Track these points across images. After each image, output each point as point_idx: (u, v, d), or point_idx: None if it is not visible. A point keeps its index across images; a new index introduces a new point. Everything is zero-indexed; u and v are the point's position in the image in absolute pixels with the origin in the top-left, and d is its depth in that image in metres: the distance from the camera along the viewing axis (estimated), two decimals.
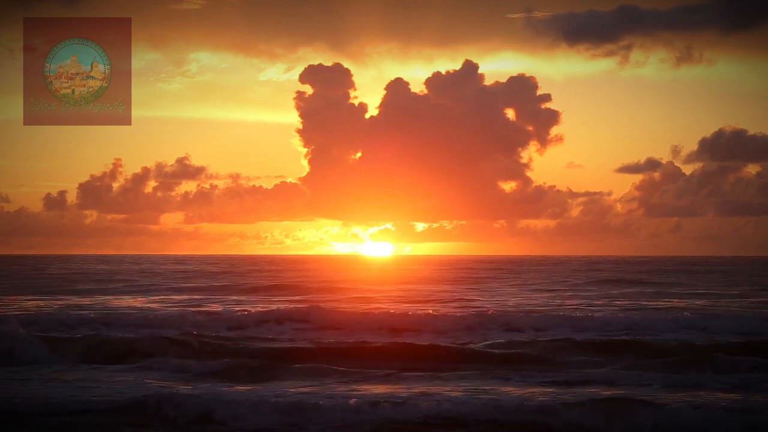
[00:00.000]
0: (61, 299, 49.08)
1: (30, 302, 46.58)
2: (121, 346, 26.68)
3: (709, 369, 22.14)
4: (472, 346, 28.22)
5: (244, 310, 38.46)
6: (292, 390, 19.46)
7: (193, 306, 43.66)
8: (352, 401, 17.77)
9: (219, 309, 41.63)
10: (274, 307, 39.79)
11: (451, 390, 19.56)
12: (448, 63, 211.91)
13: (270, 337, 31.31)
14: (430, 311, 38.34)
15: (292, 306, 39.52)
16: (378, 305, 43.83)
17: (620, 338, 29.51)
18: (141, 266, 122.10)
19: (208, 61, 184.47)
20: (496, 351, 26.67)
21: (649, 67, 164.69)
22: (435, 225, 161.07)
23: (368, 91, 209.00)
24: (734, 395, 19.12)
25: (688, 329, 32.59)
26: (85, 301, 48.19)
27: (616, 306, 44.90)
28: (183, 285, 68.02)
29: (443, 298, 50.83)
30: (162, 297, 52.72)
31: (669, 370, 22.08)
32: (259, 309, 38.99)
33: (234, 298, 52.31)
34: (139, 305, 45.00)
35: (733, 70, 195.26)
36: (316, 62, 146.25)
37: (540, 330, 32.57)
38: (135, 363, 23.86)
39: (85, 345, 26.66)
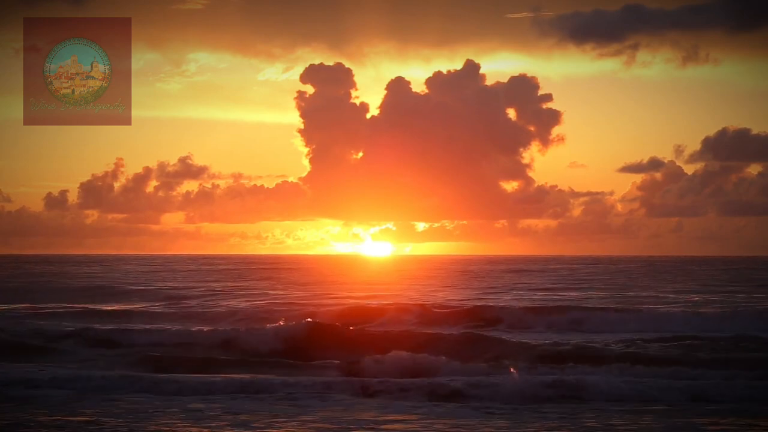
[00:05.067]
0: None
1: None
2: None
3: None
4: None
5: None
6: None
7: None
8: None
9: None
10: None
11: None
12: (447, 63, 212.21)
13: None
14: None
15: None
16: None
17: None
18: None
19: (206, 61, 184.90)
20: None
21: (655, 66, 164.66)
22: (436, 225, 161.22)
23: (366, 91, 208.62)
24: None
25: None
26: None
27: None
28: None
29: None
30: None
31: None
32: None
33: None
34: None
35: (739, 70, 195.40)
36: (314, 62, 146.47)
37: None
38: None
39: None
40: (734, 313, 39.85)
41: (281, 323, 32.77)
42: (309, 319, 33.40)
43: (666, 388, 21.02)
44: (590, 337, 32.34)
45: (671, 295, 56.91)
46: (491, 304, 46.66)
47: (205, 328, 33.58)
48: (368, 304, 46.82)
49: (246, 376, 22.40)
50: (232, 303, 49.40)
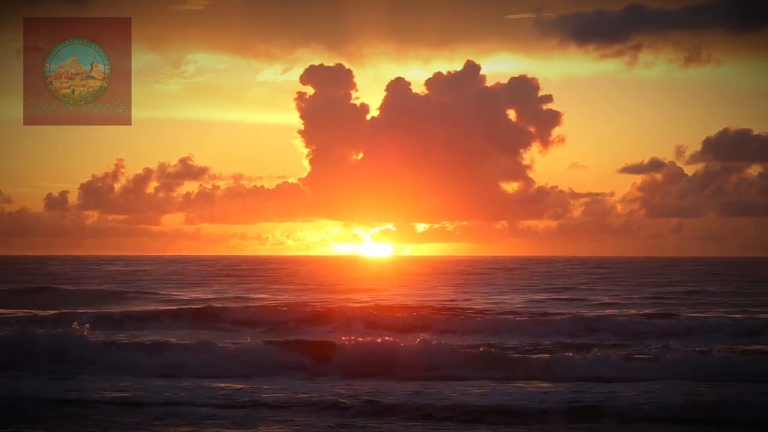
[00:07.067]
0: None
1: None
2: None
3: None
4: None
5: None
6: None
7: None
8: None
9: None
10: None
11: None
12: (446, 64, 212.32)
13: None
14: None
15: None
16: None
17: None
18: None
19: (205, 62, 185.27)
20: None
21: (656, 67, 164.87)
22: (436, 226, 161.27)
23: (366, 92, 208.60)
24: None
25: None
26: None
27: None
28: None
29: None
30: None
31: None
32: None
33: None
34: None
35: (740, 71, 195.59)
36: (313, 63, 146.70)
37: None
38: None
39: None
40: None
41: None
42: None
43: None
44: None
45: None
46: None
47: None
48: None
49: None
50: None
